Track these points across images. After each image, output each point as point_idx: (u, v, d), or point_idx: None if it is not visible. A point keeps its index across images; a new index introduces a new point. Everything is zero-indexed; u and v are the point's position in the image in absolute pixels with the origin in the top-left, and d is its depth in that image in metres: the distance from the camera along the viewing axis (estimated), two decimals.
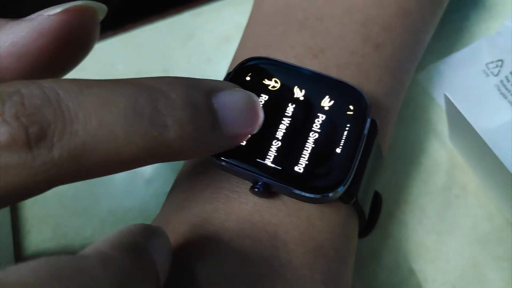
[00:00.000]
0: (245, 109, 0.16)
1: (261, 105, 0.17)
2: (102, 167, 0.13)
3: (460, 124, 0.21)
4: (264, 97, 0.18)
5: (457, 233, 0.24)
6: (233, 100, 0.16)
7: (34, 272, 0.10)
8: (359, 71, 0.19)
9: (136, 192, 0.27)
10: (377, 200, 0.21)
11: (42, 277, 0.10)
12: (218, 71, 0.29)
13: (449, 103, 0.20)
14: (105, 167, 0.13)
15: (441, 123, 0.27)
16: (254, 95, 0.17)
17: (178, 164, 0.21)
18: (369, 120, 0.17)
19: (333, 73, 0.19)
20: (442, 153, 0.26)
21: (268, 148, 0.17)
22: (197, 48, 0.31)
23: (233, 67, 0.19)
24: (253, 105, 0.16)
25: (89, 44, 0.15)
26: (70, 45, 0.15)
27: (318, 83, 0.18)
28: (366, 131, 0.17)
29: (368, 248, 0.24)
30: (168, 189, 0.20)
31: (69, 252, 0.26)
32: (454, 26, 0.29)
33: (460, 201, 0.25)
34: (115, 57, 0.31)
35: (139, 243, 0.13)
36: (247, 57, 0.19)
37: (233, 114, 0.16)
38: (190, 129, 0.14)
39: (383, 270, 0.24)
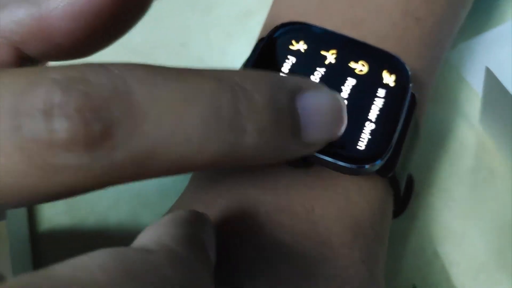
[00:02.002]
0: (330, 113, 0.14)
1: (290, 68, 0.16)
2: (166, 171, 0.12)
3: (499, 101, 0.20)
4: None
5: (483, 218, 0.24)
6: (317, 103, 0.14)
7: (104, 270, 0.09)
8: (399, 43, 0.19)
9: None
10: (409, 181, 0.20)
11: (114, 276, 0.09)
12: (238, 46, 0.29)
13: (490, 76, 0.20)
14: (169, 171, 0.12)
15: (469, 104, 0.26)
16: (340, 97, 0.15)
17: None
18: (410, 92, 0.17)
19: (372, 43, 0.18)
20: (470, 135, 0.25)
21: None
22: (217, 22, 0.30)
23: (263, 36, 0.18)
24: (338, 110, 0.14)
25: (147, 6, 0.14)
26: (130, 6, 0.14)
27: (359, 51, 0.17)
28: (407, 103, 0.17)
29: (393, 229, 0.24)
30: None
31: (83, 226, 0.26)
32: (485, 5, 0.28)
33: (488, 184, 0.24)
34: (132, 29, 0.30)
35: (198, 236, 0.12)
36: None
37: (316, 120, 0.14)
38: (268, 136, 0.13)
39: (408, 252, 0.24)
